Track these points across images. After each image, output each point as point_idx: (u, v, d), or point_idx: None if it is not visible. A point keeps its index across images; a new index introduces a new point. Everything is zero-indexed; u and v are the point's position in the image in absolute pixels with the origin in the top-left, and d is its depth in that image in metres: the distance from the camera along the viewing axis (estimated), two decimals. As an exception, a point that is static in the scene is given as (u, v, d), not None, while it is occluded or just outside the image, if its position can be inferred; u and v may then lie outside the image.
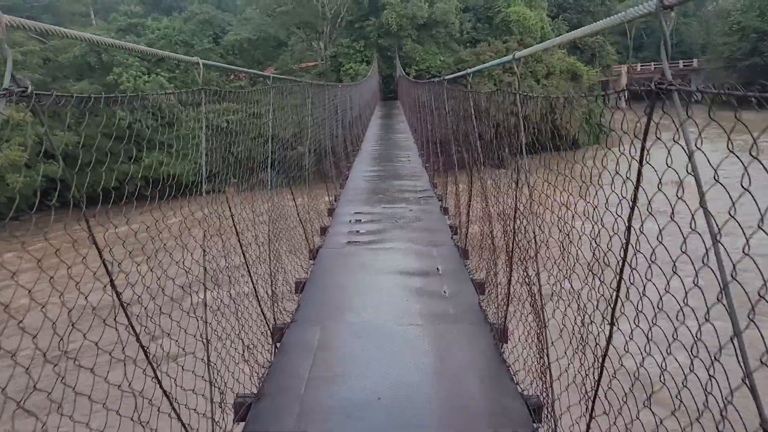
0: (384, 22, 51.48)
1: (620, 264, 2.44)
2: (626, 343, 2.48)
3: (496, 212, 5.63)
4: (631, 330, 2.42)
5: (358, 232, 8.95)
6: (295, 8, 52.62)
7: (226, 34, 55.03)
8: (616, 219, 2.49)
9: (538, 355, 4.00)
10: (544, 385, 3.85)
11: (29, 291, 2.27)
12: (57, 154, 2.65)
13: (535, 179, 3.94)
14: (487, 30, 56.49)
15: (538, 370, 4.01)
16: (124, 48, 3.20)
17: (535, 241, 3.79)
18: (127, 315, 2.91)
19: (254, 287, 4.93)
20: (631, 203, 2.32)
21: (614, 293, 2.51)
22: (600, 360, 2.74)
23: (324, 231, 9.23)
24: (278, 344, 5.21)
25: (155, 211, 3.39)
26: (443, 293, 6.25)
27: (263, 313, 5.10)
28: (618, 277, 2.46)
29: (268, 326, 5.24)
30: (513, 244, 4.47)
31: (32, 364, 2.38)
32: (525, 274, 4.22)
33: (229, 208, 4.54)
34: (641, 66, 76.62)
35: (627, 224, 2.35)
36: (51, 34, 2.38)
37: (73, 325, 2.55)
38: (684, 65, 76.85)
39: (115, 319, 2.82)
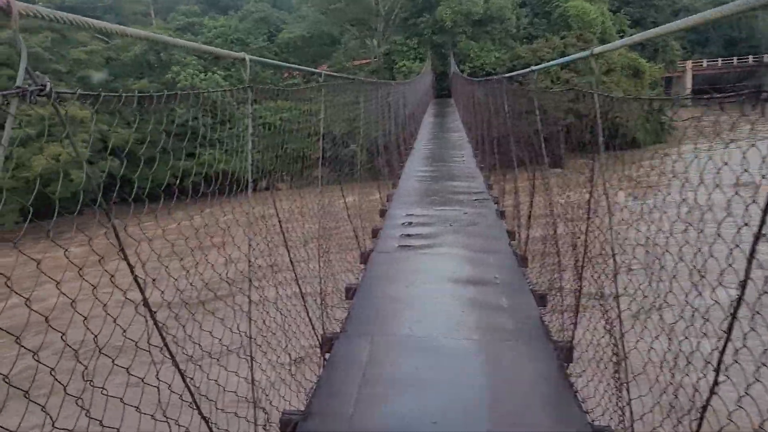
0: (438, 18, 50.88)
1: (736, 299, 2.02)
2: (739, 398, 2.05)
3: (562, 218, 5.22)
4: (747, 385, 2.00)
5: (410, 235, 8.62)
6: (348, 5, 52.52)
7: (280, 32, 55.43)
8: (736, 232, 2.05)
9: (615, 388, 3.58)
10: (623, 424, 3.43)
11: (72, 301, 2.02)
12: (81, 159, 2.37)
13: (610, 182, 3.53)
14: (544, 25, 55.16)
15: (614, 402, 3.60)
16: (150, 39, 2.96)
17: (615, 260, 3.34)
18: (162, 336, 2.65)
19: (302, 295, 4.66)
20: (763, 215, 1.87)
21: (724, 335, 2.09)
22: (699, 411, 2.32)
23: (375, 233, 8.95)
24: (327, 356, 4.94)
25: (208, 208, 3.17)
26: (501, 305, 5.86)
27: (311, 323, 4.83)
28: (731, 315, 2.04)
29: (317, 336, 4.97)
30: (584, 258, 4.06)
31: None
32: (599, 294, 3.80)
33: (275, 209, 4.26)
34: (707, 62, 73.21)
35: (752, 244, 1.91)
36: (68, 24, 2.12)
37: (100, 351, 2.31)
38: (754, 60, 72.88)
39: (148, 342, 2.57)
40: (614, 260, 3.36)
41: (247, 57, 3.91)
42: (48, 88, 1.92)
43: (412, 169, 14.57)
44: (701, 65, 71.82)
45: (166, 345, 2.69)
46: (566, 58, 4.93)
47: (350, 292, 6.32)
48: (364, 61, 54.26)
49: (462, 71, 40.18)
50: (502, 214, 9.76)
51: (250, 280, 3.45)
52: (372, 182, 11.36)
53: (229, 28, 52.68)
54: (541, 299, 5.96)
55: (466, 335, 5.18)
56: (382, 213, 10.25)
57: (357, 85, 9.94)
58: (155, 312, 2.64)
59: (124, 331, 2.43)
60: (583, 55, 4.00)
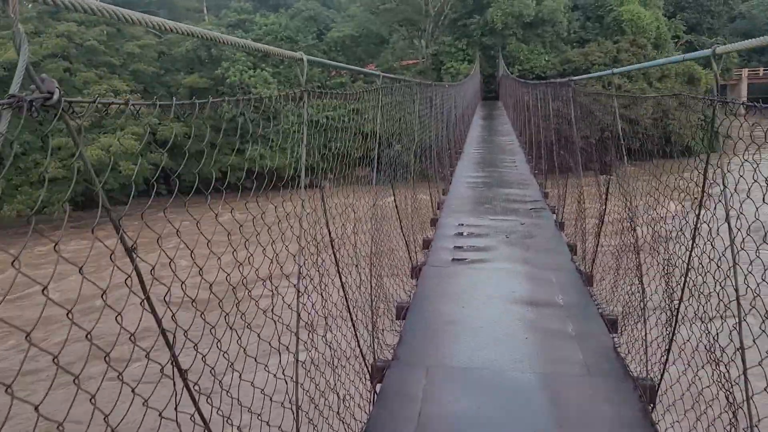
0: (488, 20, 50.06)
1: None
2: None
3: (646, 233, 4.64)
4: None
5: (463, 247, 8.11)
6: (398, 5, 52.13)
7: (329, 30, 55.36)
8: None
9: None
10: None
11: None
12: (85, 164, 1.89)
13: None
14: (597, 29, 53.85)
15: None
16: (207, 37, 2.52)
17: (739, 302, 2.76)
18: (183, 377, 2.22)
19: (352, 321, 4.20)
20: None
21: None
22: None
23: (427, 244, 8.44)
24: (378, 387, 4.46)
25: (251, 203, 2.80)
26: (568, 331, 5.31)
27: (361, 350, 4.36)
28: None
29: (366, 365, 4.50)
30: (683, 289, 3.49)
31: None
32: (706, 336, 3.24)
33: (325, 214, 3.79)
34: (764, 71, 70.62)
35: None
36: (70, 8, 1.61)
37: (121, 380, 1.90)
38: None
39: (174, 385, 2.14)
40: (738, 302, 2.77)
41: (305, 57, 3.49)
42: (56, 97, 1.45)
43: (463, 175, 14.03)
44: (758, 74, 69.30)
45: (189, 390, 2.25)
46: (688, 55, 4.16)
47: (402, 312, 5.84)
48: (411, 62, 53.81)
49: (510, 74, 39.33)
50: (561, 226, 9.17)
51: (299, 314, 3.00)
52: (423, 187, 10.70)
53: (279, 26, 52.77)
54: (612, 325, 5.40)
55: (531, 367, 4.66)
56: (433, 222, 9.76)
57: (412, 87, 9.48)
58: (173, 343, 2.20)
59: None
60: (703, 53, 3.46)
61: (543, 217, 9.69)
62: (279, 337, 2.79)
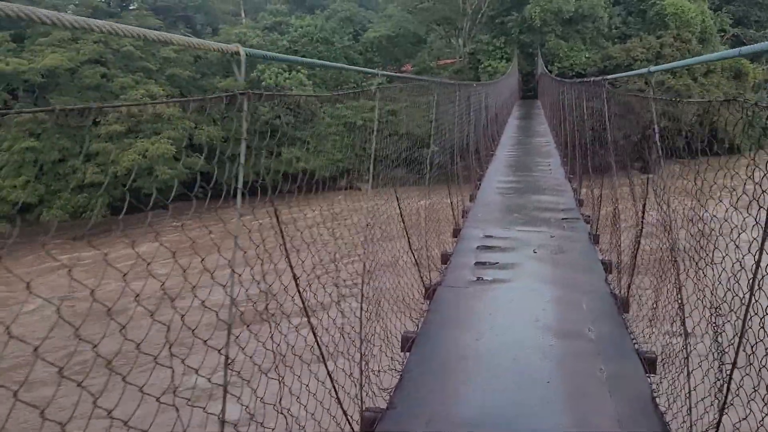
0: (527, 16, 48.89)
1: None
2: None
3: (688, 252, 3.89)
4: None
5: (486, 264, 7.38)
6: (435, 4, 51.39)
7: (365, 31, 54.88)
8: None
9: None
10: None
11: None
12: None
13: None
14: (639, 24, 52.11)
15: None
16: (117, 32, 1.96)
17: None
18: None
19: (329, 373, 3.53)
20: None
21: None
22: None
23: (445, 259, 7.73)
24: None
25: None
26: (598, 375, 4.55)
27: (340, 403, 3.67)
28: None
29: (349, 420, 3.81)
30: (738, 347, 2.76)
31: None
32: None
33: (282, 238, 3.17)
34: (819, 64, 67.70)
35: None
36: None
37: None
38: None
39: None
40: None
41: (242, 50, 2.87)
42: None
43: (494, 179, 13.26)
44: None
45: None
46: (740, 50, 3.36)
47: (407, 343, 5.16)
48: (449, 61, 53.03)
49: (550, 71, 38.14)
50: (596, 239, 8.38)
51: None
52: (439, 190, 9.76)
53: (315, 27, 52.47)
54: (651, 365, 4.64)
55: (555, 423, 3.93)
56: (456, 233, 9.06)
57: (425, 86, 8.83)
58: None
59: None
60: (764, 47, 2.75)
61: (576, 229, 8.90)
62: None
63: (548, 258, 7.54)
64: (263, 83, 43.43)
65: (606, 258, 7.45)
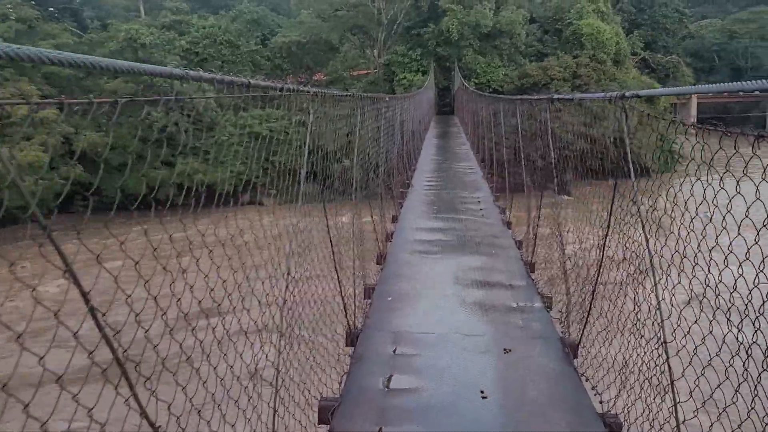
0: (444, 29, 47.25)
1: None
2: None
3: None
4: None
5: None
6: (350, 12, 49.10)
7: (275, 35, 51.66)
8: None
9: None
10: None
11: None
12: None
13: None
14: (555, 43, 51.88)
15: None
16: None
17: None
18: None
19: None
20: None
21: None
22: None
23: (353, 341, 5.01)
24: None
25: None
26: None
27: None
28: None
29: None
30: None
31: None
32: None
33: None
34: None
35: None
36: None
37: None
38: (762, 91, 70.52)
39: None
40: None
41: None
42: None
43: (409, 228, 9.91)
44: (707, 94, 69.00)
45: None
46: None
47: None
48: (362, 72, 50.84)
49: (466, 88, 36.40)
50: (548, 301, 5.86)
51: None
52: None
53: (219, 29, 48.64)
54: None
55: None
56: (368, 293, 6.22)
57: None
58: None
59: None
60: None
61: (530, 295, 6.23)
62: None
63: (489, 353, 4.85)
64: (155, 86, 39.41)
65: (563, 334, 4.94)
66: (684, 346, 3.18)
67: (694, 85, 69.43)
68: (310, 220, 4.69)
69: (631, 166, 4.07)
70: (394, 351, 5.00)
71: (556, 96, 8.24)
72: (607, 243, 4.45)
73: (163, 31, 46.12)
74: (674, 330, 3.36)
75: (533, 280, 6.94)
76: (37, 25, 37.87)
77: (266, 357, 3.40)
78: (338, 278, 4.97)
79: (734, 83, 2.82)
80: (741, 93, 69.27)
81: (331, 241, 4.84)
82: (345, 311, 5.09)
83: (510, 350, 4.94)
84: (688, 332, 3.21)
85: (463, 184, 14.17)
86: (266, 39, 51.81)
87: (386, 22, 50.44)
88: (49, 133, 32.53)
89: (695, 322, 3.18)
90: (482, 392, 4.24)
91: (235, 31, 49.16)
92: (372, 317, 5.68)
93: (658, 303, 3.38)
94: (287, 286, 3.73)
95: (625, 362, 3.97)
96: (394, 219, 10.22)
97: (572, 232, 6.19)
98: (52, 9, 46.40)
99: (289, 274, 3.75)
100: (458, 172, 16.38)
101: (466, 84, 33.22)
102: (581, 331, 4.79)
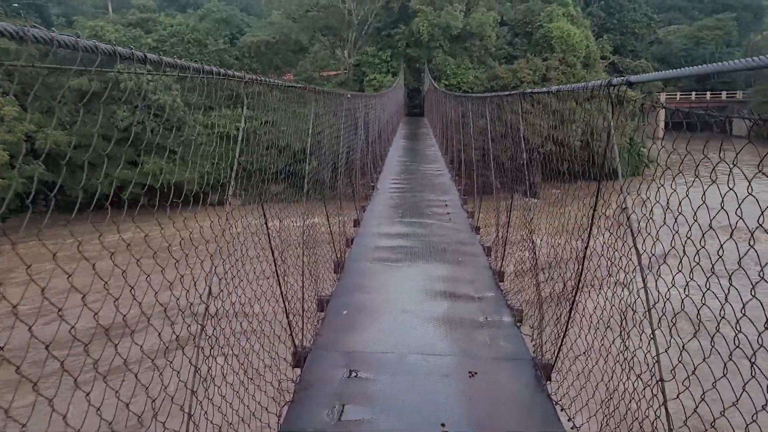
0: (414, 30, 46.90)
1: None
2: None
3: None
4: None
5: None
6: (320, 12, 48.45)
7: (244, 35, 50.71)
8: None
9: None
10: None
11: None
12: None
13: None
14: (525, 46, 51.97)
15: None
16: None
17: None
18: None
19: None
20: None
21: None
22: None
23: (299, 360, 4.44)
24: None
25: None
26: None
27: None
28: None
29: None
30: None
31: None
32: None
33: None
34: (681, 95, 72.41)
35: None
36: None
37: None
38: (728, 96, 72.52)
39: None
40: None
41: None
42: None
43: (371, 234, 9.37)
44: (675, 98, 69.91)
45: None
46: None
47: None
48: (332, 73, 50.21)
49: (437, 88, 35.99)
50: (519, 314, 5.37)
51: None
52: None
53: (186, 27, 47.53)
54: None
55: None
56: (322, 305, 5.67)
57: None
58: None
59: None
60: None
61: (500, 315, 5.75)
62: None
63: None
64: (121, 85, 38.25)
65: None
66: (684, 385, 2.70)
67: (663, 89, 70.44)
68: (257, 222, 4.17)
69: (618, 166, 3.55)
70: (348, 375, 4.47)
71: (529, 90, 7.80)
72: (587, 255, 3.92)
73: (129, 28, 44.92)
74: (673, 368, 2.83)
75: (502, 291, 6.48)
76: (-3, 20, 36.46)
77: (176, 388, 2.83)
78: (281, 290, 4.40)
79: (730, 62, 2.51)
80: (707, 99, 70.45)
81: (271, 246, 4.26)
82: (290, 328, 4.52)
83: (475, 373, 4.48)
84: (693, 373, 2.67)
85: (431, 187, 13.78)
86: (235, 38, 50.91)
87: (357, 23, 50.01)
88: (10, 132, 31.25)
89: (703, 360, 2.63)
90: (443, 425, 3.74)
91: (204, 30, 48.14)
92: (324, 335, 5.16)
93: (653, 332, 2.85)
94: (209, 294, 3.17)
95: (610, 396, 3.45)
96: (356, 223, 9.71)
97: (545, 239, 5.71)
98: (16, 5, 44.94)
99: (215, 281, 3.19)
100: (426, 175, 16.00)
101: (435, 85, 32.84)
102: (556, 352, 4.29)
